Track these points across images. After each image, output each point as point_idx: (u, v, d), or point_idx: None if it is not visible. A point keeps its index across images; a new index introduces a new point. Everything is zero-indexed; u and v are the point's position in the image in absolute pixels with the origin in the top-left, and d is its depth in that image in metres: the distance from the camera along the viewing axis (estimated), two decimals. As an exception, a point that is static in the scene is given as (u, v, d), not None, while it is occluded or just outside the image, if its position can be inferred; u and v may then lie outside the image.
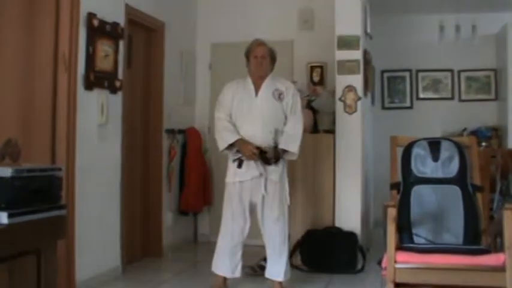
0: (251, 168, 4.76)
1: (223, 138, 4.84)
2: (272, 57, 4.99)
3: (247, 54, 4.97)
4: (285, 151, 4.83)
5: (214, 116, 4.99)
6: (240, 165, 4.76)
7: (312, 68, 7.00)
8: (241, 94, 4.88)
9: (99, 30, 5.03)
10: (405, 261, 3.77)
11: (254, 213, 4.89)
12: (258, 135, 4.75)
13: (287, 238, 4.93)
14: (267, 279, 4.95)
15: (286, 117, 4.87)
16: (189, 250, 6.86)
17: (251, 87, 4.89)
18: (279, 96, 4.86)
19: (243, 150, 4.74)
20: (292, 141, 4.83)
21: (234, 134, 4.79)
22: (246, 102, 4.85)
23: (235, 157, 4.79)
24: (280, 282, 4.89)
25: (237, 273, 4.92)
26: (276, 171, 4.81)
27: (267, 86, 4.88)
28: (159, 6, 6.32)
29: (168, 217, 6.54)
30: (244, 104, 4.84)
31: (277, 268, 4.87)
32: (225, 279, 4.94)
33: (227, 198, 4.90)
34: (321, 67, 6.96)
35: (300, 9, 7.07)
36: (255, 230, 4.94)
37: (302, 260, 5.77)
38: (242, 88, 4.91)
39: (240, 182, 4.80)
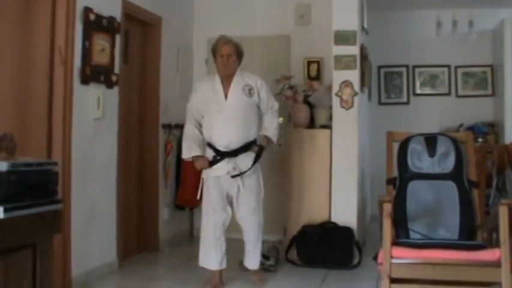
0: (225, 163, 4.88)
1: (183, 150, 5.07)
2: (238, 54, 4.99)
3: (214, 53, 4.99)
4: (268, 140, 5.07)
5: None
6: (211, 165, 4.91)
7: (309, 63, 6.99)
8: (210, 94, 4.92)
9: (95, 24, 5.02)
10: (401, 257, 3.78)
11: (232, 205, 5.04)
12: (231, 133, 4.84)
13: (261, 228, 5.13)
14: (246, 268, 5.18)
15: (259, 112, 5.06)
16: (185, 245, 6.86)
17: (220, 86, 4.92)
18: (249, 91, 4.93)
19: (195, 164, 4.96)
20: (272, 132, 5.09)
21: (190, 150, 4.97)
22: (216, 102, 4.88)
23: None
24: (256, 270, 5.16)
25: (224, 265, 5.03)
26: (247, 165, 4.93)
27: (236, 82, 4.92)
28: (156, 0, 6.30)
29: (164, 212, 6.55)
30: (214, 104, 4.88)
31: (254, 258, 5.13)
32: (220, 273, 5.01)
33: (206, 193, 5.00)
34: (318, 62, 6.95)
35: (297, 4, 7.05)
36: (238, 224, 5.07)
37: (298, 255, 5.78)
38: (211, 88, 4.94)
39: (217, 177, 4.92)
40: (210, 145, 4.94)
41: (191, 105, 5.02)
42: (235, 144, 4.85)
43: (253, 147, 4.95)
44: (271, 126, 5.09)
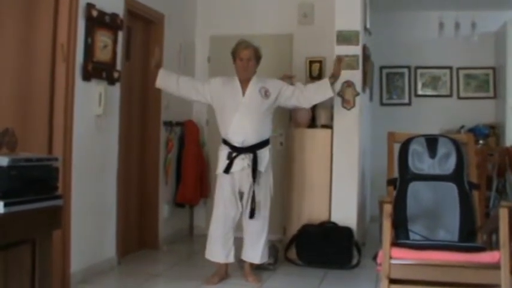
0: (240, 159, 5.03)
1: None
2: (257, 58, 5.19)
3: (233, 56, 5.17)
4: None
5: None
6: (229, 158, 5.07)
7: (311, 63, 6.99)
8: (229, 91, 5.13)
9: (98, 21, 5.02)
10: (400, 257, 3.78)
11: (242, 200, 5.14)
12: (247, 129, 5.02)
13: (267, 225, 5.20)
14: (243, 261, 5.23)
15: (273, 112, 5.22)
16: (184, 242, 6.87)
17: (238, 85, 5.12)
18: (265, 93, 5.13)
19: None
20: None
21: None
22: (233, 98, 5.09)
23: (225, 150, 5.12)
24: (251, 264, 5.21)
25: (230, 259, 5.15)
26: (263, 163, 5.08)
27: (253, 84, 5.13)
28: (159, -2, 6.31)
29: (164, 209, 6.55)
30: (231, 101, 5.09)
31: (254, 251, 5.18)
32: (226, 266, 5.15)
33: (219, 188, 5.15)
34: (320, 62, 6.95)
35: (300, 3, 7.04)
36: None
37: (297, 255, 5.78)
38: (230, 86, 5.15)
39: (231, 173, 5.06)
40: (226, 142, 5.10)
41: (212, 80, 5.27)
42: (251, 140, 5.02)
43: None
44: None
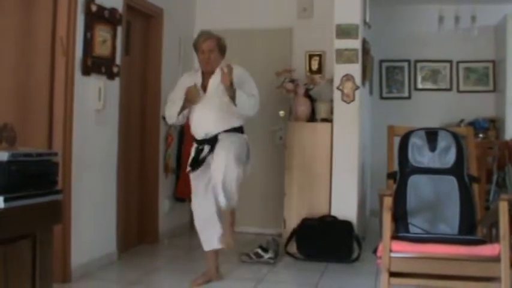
0: (206, 148, 4.81)
1: (169, 113, 5.00)
2: (221, 49, 4.96)
3: (195, 48, 4.99)
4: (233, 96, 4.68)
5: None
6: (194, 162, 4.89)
7: (311, 57, 6.97)
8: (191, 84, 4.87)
9: (97, 15, 5.01)
10: (400, 251, 3.78)
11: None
12: (209, 122, 4.79)
13: (237, 184, 4.72)
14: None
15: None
16: (185, 237, 6.87)
17: (200, 80, 4.90)
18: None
19: (188, 96, 4.79)
20: (242, 97, 4.70)
21: (174, 106, 4.91)
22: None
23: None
24: (230, 212, 4.84)
25: (215, 245, 4.89)
26: (222, 143, 4.74)
27: (216, 75, 4.84)
28: (158, -8, 6.29)
29: (164, 204, 6.55)
30: None
31: (221, 197, 4.69)
32: (217, 267, 4.99)
33: (192, 185, 5.00)
34: (320, 56, 6.94)
35: (300, -3, 7.04)
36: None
37: (297, 249, 5.78)
38: (194, 80, 4.91)
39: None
40: (193, 137, 4.97)
41: (175, 94, 5.04)
42: (214, 130, 4.79)
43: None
44: (243, 95, 4.70)
